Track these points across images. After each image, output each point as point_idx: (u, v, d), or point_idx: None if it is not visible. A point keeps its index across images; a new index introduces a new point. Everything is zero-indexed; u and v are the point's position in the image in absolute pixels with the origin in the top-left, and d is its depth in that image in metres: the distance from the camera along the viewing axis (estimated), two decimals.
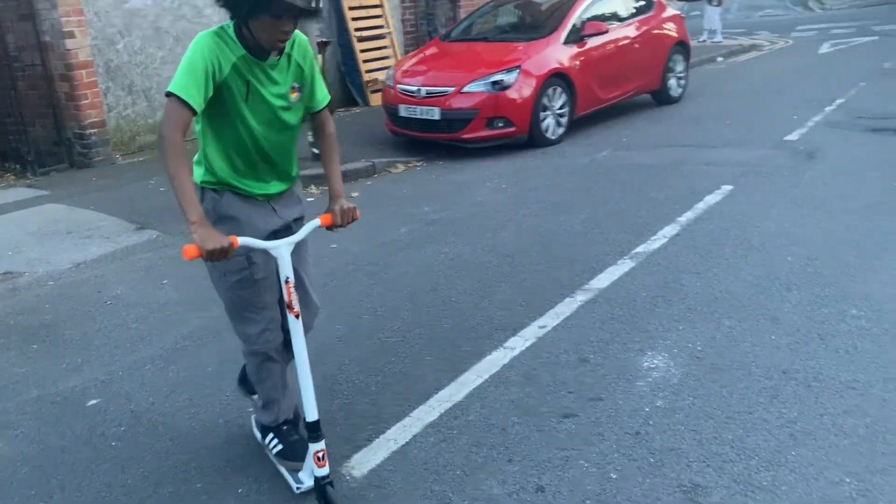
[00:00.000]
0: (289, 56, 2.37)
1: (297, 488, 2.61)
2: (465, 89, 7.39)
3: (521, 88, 7.38)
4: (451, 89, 7.43)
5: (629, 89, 8.80)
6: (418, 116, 7.56)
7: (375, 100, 10.06)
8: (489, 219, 5.55)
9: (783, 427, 2.82)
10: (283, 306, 2.45)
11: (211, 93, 2.21)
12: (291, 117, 2.44)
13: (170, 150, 2.13)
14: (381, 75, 9.96)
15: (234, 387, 3.23)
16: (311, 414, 2.37)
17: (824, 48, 13.91)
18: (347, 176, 6.60)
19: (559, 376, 3.29)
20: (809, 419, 2.86)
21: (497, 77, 7.37)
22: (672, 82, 9.41)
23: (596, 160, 7.07)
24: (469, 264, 4.66)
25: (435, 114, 7.43)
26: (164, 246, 5.35)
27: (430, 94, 7.51)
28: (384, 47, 10.68)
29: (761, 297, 3.91)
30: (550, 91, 7.62)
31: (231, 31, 2.27)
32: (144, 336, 3.97)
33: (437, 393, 3.21)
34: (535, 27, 8.46)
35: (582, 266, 4.47)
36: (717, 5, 15.23)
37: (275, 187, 2.50)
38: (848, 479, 2.52)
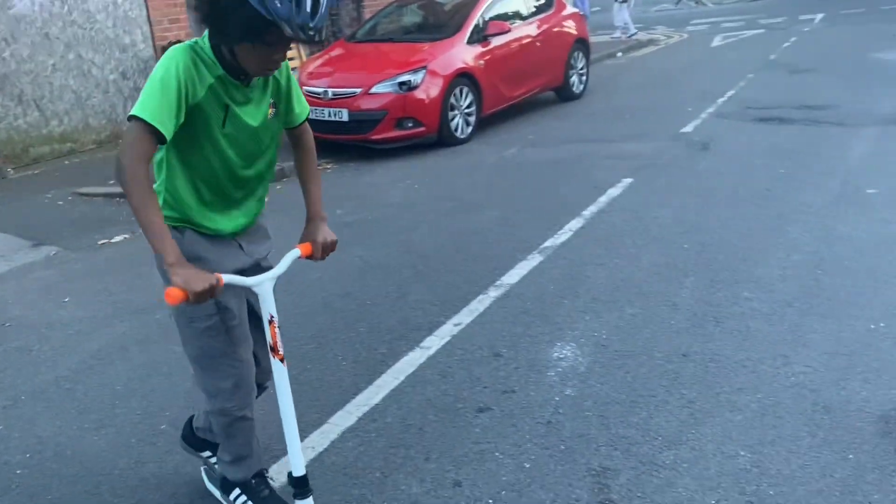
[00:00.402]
0: None
1: None
2: (373, 90, 7.40)
3: (428, 88, 7.45)
4: (359, 90, 7.42)
5: (533, 87, 9.01)
6: (326, 118, 7.52)
7: None
8: (402, 220, 5.60)
9: (683, 407, 2.99)
10: (260, 354, 2.30)
11: (183, 119, 1.93)
12: (270, 138, 2.19)
13: (134, 185, 1.85)
14: None
15: (144, 405, 3.17)
16: (298, 468, 2.14)
17: (716, 41, 14.59)
18: None
19: (474, 372, 3.37)
20: (707, 398, 3.04)
21: (404, 77, 7.41)
22: (574, 79, 9.67)
23: (504, 158, 7.22)
24: (383, 266, 4.70)
25: (343, 115, 7.42)
26: (64, 262, 5.15)
27: (336, 96, 7.49)
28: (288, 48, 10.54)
29: (661, 285, 4.11)
30: (457, 91, 7.72)
31: (207, 48, 1.99)
32: (48, 357, 3.82)
33: (354, 397, 3.24)
34: (440, 27, 8.54)
35: (494, 263, 4.58)
36: (623, 2, 15.44)
37: (241, 220, 2.24)
38: (743, 453, 2.69)
